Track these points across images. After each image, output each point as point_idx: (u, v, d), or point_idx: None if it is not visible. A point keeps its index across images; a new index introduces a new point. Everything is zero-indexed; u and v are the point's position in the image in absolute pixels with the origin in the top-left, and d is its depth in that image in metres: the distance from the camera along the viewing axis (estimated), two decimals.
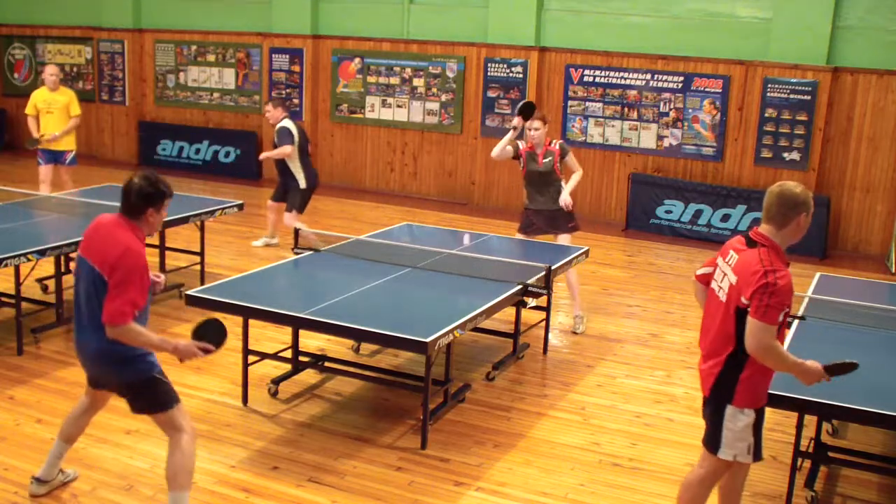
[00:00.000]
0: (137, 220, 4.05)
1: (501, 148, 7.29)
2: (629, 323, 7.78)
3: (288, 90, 13.57)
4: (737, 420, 3.78)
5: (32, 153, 10.29)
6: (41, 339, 6.63)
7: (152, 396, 4.18)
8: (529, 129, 7.30)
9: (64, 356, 6.37)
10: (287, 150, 9.03)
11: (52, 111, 9.83)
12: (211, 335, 4.13)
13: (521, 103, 7.29)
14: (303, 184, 9.17)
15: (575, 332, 7.43)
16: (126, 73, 14.84)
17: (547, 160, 7.34)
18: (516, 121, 7.23)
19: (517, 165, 7.54)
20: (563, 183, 7.41)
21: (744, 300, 3.67)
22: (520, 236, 7.65)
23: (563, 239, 7.49)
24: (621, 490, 4.85)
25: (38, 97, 9.93)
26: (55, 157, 9.91)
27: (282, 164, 9.21)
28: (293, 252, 6.78)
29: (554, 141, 7.49)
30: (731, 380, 3.78)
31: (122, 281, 3.89)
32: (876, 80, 10.47)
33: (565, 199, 7.31)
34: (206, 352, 4.10)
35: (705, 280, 4.17)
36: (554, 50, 12.00)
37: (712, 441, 3.87)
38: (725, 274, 3.86)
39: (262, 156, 9.50)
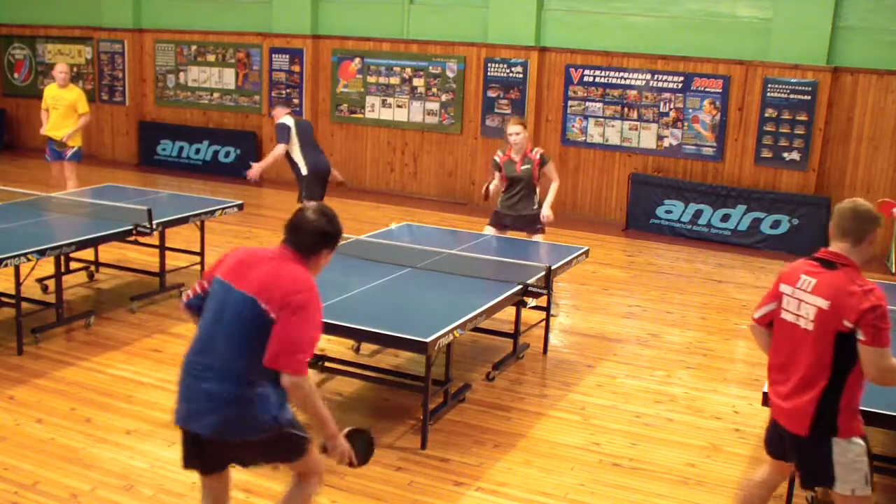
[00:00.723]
0: (307, 260, 3.51)
1: (494, 189, 7.57)
2: (629, 323, 7.78)
3: (288, 90, 13.57)
4: (848, 452, 3.58)
5: (33, 153, 10.33)
6: (41, 339, 6.62)
7: (288, 444, 3.54)
8: (510, 135, 7.40)
9: (64, 356, 6.37)
10: (279, 152, 8.91)
11: (58, 107, 10.00)
12: (358, 448, 3.61)
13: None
14: (304, 170, 9.15)
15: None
16: (126, 73, 14.83)
17: (525, 167, 7.43)
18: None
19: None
20: (537, 191, 7.58)
21: (847, 324, 3.46)
22: (490, 230, 7.71)
23: (536, 239, 7.64)
24: (621, 490, 4.85)
25: (48, 93, 10.15)
26: (60, 154, 10.07)
27: (287, 159, 9.19)
28: None
29: (536, 149, 7.56)
30: (831, 411, 3.56)
31: (303, 325, 3.32)
32: (876, 80, 10.47)
33: (546, 214, 7.53)
34: (350, 464, 3.60)
35: (767, 322, 3.88)
36: (554, 50, 12.00)
37: (824, 478, 3.63)
38: (802, 301, 3.61)
39: (255, 171, 9.02)
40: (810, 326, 3.58)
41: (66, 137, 9.95)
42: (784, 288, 3.74)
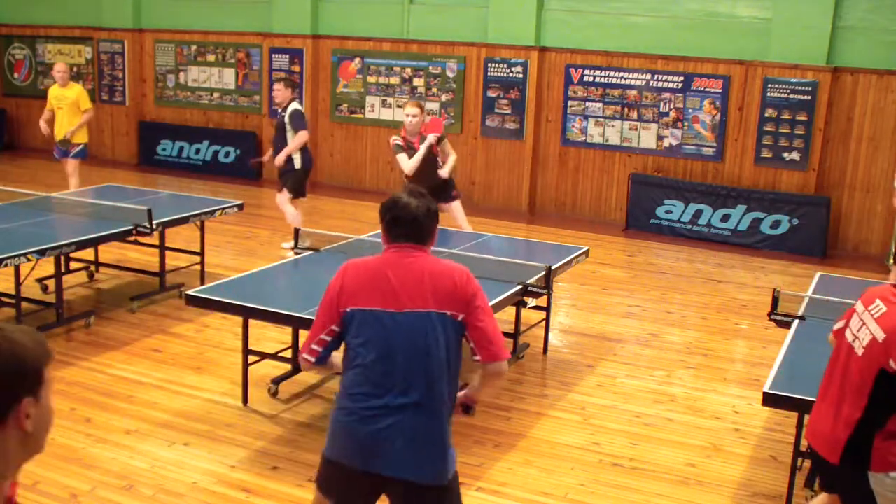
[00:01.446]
0: (429, 248, 3.29)
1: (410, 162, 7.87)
2: (629, 323, 7.78)
3: None
4: (885, 485, 3.36)
5: (33, 153, 10.34)
6: None
7: (457, 494, 3.28)
8: (407, 116, 7.85)
9: (64, 356, 6.36)
10: (305, 137, 9.08)
11: (61, 107, 10.07)
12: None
13: None
14: (298, 164, 9.18)
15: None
16: (126, 73, 14.83)
17: (423, 145, 7.86)
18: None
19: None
20: (439, 162, 7.99)
21: (893, 364, 3.23)
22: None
23: (454, 209, 8.08)
24: (621, 490, 4.85)
25: (52, 94, 10.21)
26: (66, 152, 10.12)
27: (279, 143, 9.18)
28: (293, 252, 6.79)
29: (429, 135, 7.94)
30: (864, 444, 3.34)
31: (485, 307, 3.18)
32: (876, 80, 10.47)
33: (443, 172, 7.88)
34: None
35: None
36: (554, 50, 12.00)
37: None
38: (865, 324, 3.40)
39: (282, 156, 9.05)
40: (861, 352, 3.37)
41: (69, 134, 9.97)
42: (858, 306, 3.52)
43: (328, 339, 3.22)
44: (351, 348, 3.19)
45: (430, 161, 7.91)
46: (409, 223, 3.20)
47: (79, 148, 10.13)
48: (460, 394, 3.38)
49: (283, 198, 9.21)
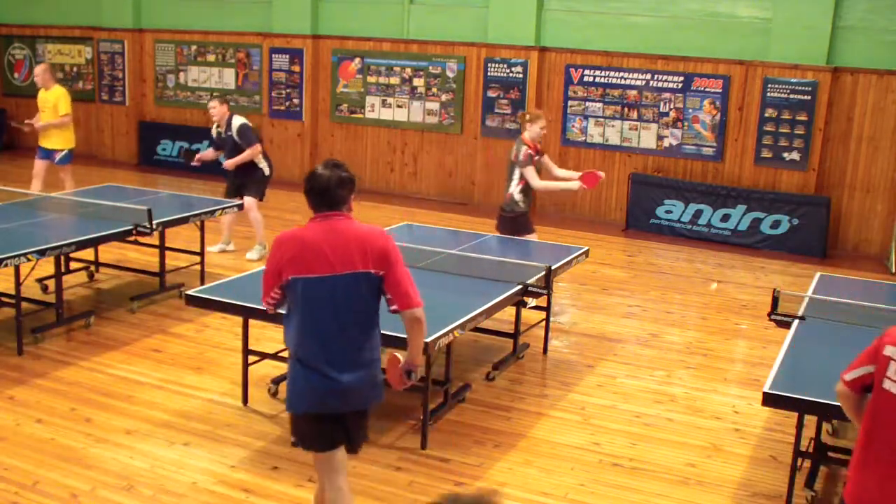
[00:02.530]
0: (348, 210, 3.74)
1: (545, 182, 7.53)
2: (629, 323, 7.78)
3: (288, 90, 13.57)
4: None
5: (33, 153, 10.29)
6: (41, 339, 6.62)
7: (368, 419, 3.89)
8: (542, 129, 7.38)
9: (64, 356, 6.37)
10: (259, 150, 8.89)
11: (44, 109, 10.00)
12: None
13: None
14: (267, 171, 9.12)
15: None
16: (126, 73, 14.83)
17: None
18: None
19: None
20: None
21: None
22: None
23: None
24: (621, 490, 4.85)
25: (39, 96, 10.13)
26: (47, 154, 10.03)
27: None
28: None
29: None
30: None
31: (399, 262, 3.70)
32: (876, 80, 10.47)
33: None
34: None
35: (860, 386, 3.15)
36: (554, 50, 12.00)
37: None
38: None
39: (230, 164, 8.92)
40: None
41: (39, 127, 9.87)
42: (892, 351, 2.99)
43: (276, 296, 3.75)
44: (295, 311, 3.68)
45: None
46: (323, 192, 3.65)
47: (62, 154, 10.02)
48: (401, 364, 3.84)
49: (252, 204, 9.05)
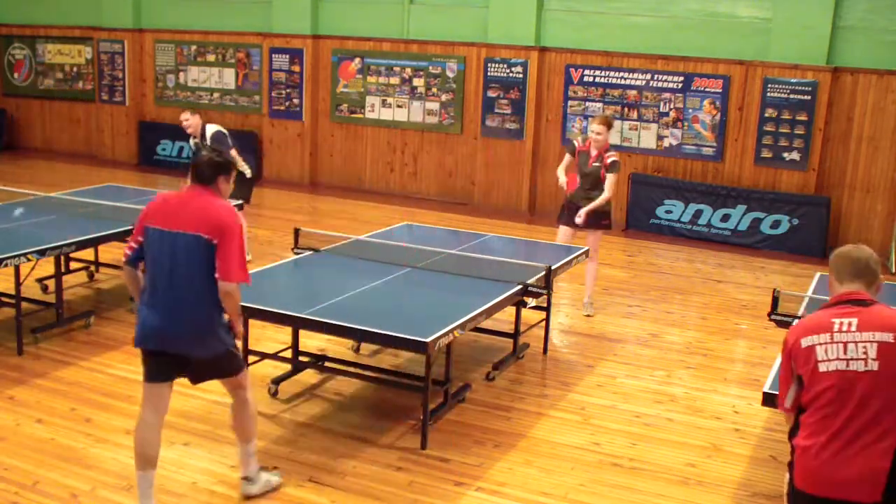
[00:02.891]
0: (214, 188, 4.31)
1: (562, 168, 7.73)
2: (629, 323, 7.78)
3: (288, 90, 13.57)
4: None
5: (33, 153, 10.25)
6: (41, 339, 6.62)
7: (232, 363, 4.37)
8: (592, 132, 7.60)
9: (64, 356, 6.37)
10: (239, 160, 8.67)
11: None
12: None
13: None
14: (249, 173, 9.03)
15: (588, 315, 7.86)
16: (126, 73, 14.84)
17: (596, 164, 7.59)
18: None
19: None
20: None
21: None
22: (564, 232, 7.81)
23: (590, 240, 7.75)
24: (621, 490, 4.85)
25: None
26: None
27: None
28: (293, 252, 6.79)
29: (611, 151, 7.59)
30: None
31: (233, 240, 4.15)
32: (876, 80, 10.47)
33: (580, 214, 7.55)
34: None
35: (797, 405, 3.43)
36: (554, 50, 12.00)
37: None
38: (849, 343, 3.21)
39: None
40: (874, 366, 3.15)
41: None
42: (811, 339, 3.28)
43: (135, 245, 4.28)
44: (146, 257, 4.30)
45: (593, 183, 7.60)
46: (195, 169, 4.31)
47: None
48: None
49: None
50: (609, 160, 7.55)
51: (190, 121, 8.80)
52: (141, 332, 4.22)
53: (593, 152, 7.61)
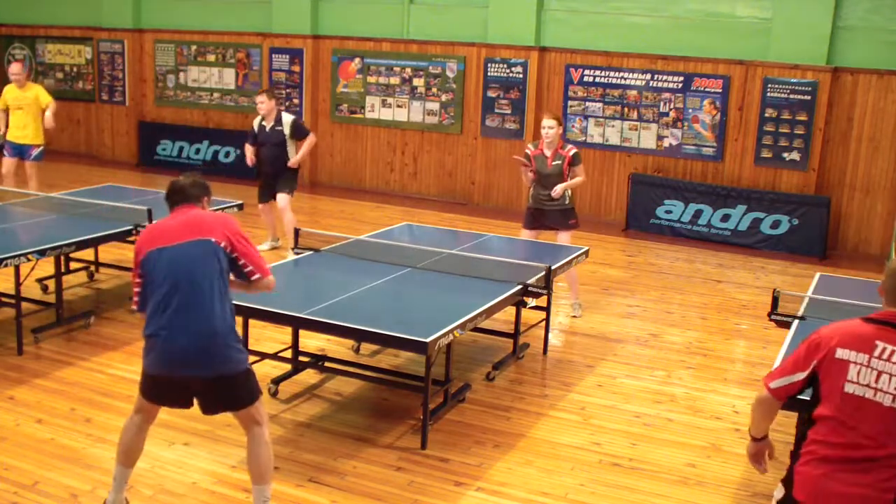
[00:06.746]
0: (199, 206, 4.33)
1: (524, 176, 7.66)
2: (629, 323, 7.78)
3: (288, 90, 13.57)
4: None
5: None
6: (41, 339, 6.62)
7: (248, 385, 4.18)
8: (543, 128, 7.41)
9: (64, 356, 6.37)
10: (314, 140, 9.42)
11: (21, 107, 9.99)
12: None
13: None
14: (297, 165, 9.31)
15: (574, 317, 7.79)
16: (126, 73, 14.84)
17: (556, 163, 7.43)
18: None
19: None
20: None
21: None
22: (525, 234, 7.73)
23: (563, 237, 7.57)
24: (621, 490, 4.85)
25: (8, 94, 10.09)
26: (21, 152, 10.00)
27: (281, 157, 9.16)
28: (293, 252, 6.79)
29: (568, 146, 7.55)
30: None
31: (243, 240, 4.25)
32: (876, 80, 10.47)
33: (556, 189, 7.45)
34: None
35: (786, 393, 3.36)
36: (554, 50, 12.00)
37: None
38: (892, 375, 3.10)
39: (295, 161, 9.18)
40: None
41: (50, 126, 9.93)
42: (848, 354, 3.16)
43: (139, 287, 4.11)
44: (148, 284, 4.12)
45: (557, 181, 7.48)
46: (179, 191, 4.27)
47: (38, 151, 10.03)
48: None
49: (287, 201, 9.18)
50: (570, 153, 7.50)
51: (265, 104, 9.13)
52: (163, 356, 3.97)
53: (548, 152, 7.52)
